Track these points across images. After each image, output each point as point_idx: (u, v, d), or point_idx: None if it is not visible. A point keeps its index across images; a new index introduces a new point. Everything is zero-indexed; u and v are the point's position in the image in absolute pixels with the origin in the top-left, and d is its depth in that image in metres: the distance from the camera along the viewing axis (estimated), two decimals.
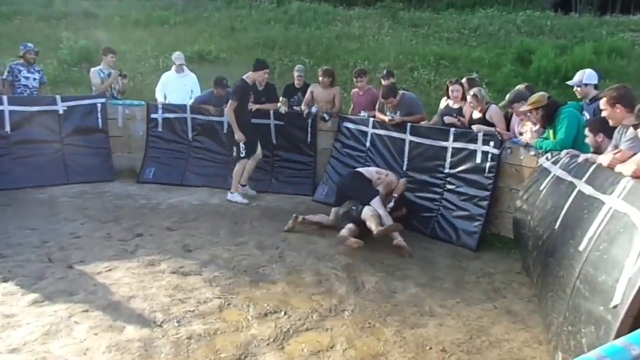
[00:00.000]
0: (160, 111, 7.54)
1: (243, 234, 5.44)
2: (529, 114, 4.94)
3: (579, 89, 5.28)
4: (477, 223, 5.41)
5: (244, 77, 6.54)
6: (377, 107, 6.74)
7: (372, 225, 5.06)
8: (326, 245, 5.23)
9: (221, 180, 7.12)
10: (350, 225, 5.24)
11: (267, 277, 4.38)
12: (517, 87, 5.60)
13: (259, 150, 6.80)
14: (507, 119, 5.71)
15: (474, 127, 5.68)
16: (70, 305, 3.74)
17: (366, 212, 5.21)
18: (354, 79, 7.24)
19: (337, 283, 4.32)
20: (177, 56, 7.72)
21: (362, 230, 5.20)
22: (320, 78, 7.12)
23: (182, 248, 4.95)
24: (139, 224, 5.57)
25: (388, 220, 5.18)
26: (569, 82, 5.33)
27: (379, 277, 4.48)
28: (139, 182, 7.25)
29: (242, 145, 6.54)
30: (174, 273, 4.35)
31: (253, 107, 6.91)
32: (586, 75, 5.23)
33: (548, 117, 4.84)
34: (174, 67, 7.76)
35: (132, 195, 6.71)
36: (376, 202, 5.31)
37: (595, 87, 5.31)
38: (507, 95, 5.34)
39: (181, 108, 7.54)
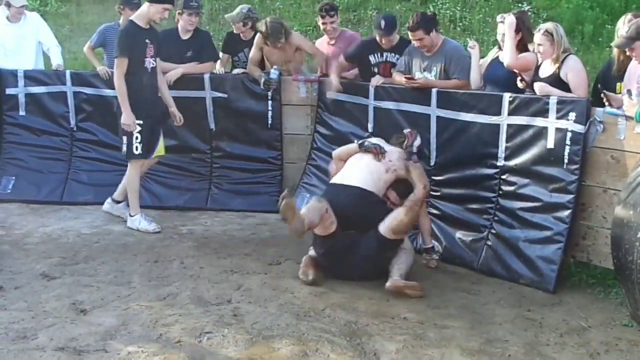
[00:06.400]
0: (21, 82, 7.52)
1: (170, 281, 5.38)
2: None
3: None
4: (554, 247, 5.39)
5: (131, 17, 6.54)
6: (399, 62, 6.72)
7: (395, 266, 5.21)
8: (309, 293, 5.19)
9: None
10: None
11: (216, 351, 4.30)
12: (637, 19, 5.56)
13: (160, 144, 6.75)
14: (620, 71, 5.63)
15: (537, 87, 5.68)
16: None
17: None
18: (319, 19, 7.28)
19: (334, 356, 4.26)
20: None
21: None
22: (265, 40, 7.06)
23: (72, 307, 4.87)
24: None
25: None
26: None
27: (401, 343, 4.43)
28: None
29: (135, 134, 6.47)
30: (60, 350, 4.24)
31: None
32: None
33: None
34: (3, 12, 7.67)
35: None
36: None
37: None
38: (625, 28, 5.31)
39: (56, 76, 7.55)
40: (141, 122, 6.41)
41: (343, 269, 5.45)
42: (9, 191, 7.34)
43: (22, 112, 7.55)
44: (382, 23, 6.63)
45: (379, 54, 6.87)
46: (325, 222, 5.25)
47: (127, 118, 6.36)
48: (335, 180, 5.72)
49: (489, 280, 5.55)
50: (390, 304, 5.01)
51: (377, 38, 6.75)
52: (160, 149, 6.72)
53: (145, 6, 6.37)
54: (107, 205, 6.83)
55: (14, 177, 7.42)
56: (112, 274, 5.49)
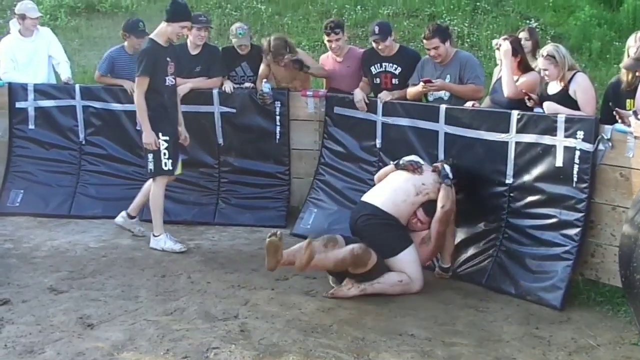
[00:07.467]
0: (31, 96, 7.56)
1: (177, 295, 5.38)
2: None
3: None
4: (563, 265, 5.37)
5: (151, 36, 6.49)
6: (412, 76, 6.75)
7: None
8: (317, 309, 5.18)
9: None
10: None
11: None
12: None
13: (179, 162, 6.68)
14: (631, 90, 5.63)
15: (545, 107, 5.68)
16: None
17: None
18: (324, 37, 7.30)
19: None
20: (26, 6, 7.66)
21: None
22: (267, 57, 7.14)
23: (79, 322, 4.87)
24: (2, 282, 5.53)
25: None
26: None
27: None
28: None
29: (163, 150, 6.39)
30: None
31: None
32: None
33: None
34: (14, 26, 7.73)
35: None
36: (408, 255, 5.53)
37: None
38: (634, 46, 5.30)
39: (66, 90, 7.62)
40: (167, 138, 6.38)
41: None
42: (17, 204, 7.37)
43: (31, 126, 7.59)
44: (377, 29, 6.71)
45: (378, 64, 6.89)
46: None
47: (148, 137, 6.31)
48: (363, 197, 5.83)
49: (497, 297, 5.52)
50: (397, 321, 4.99)
51: (374, 45, 6.78)
52: (180, 167, 6.65)
53: (163, 25, 6.31)
54: (121, 219, 6.70)
55: (22, 190, 7.45)
56: (119, 288, 5.49)
